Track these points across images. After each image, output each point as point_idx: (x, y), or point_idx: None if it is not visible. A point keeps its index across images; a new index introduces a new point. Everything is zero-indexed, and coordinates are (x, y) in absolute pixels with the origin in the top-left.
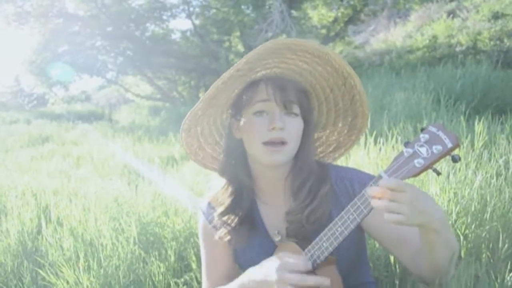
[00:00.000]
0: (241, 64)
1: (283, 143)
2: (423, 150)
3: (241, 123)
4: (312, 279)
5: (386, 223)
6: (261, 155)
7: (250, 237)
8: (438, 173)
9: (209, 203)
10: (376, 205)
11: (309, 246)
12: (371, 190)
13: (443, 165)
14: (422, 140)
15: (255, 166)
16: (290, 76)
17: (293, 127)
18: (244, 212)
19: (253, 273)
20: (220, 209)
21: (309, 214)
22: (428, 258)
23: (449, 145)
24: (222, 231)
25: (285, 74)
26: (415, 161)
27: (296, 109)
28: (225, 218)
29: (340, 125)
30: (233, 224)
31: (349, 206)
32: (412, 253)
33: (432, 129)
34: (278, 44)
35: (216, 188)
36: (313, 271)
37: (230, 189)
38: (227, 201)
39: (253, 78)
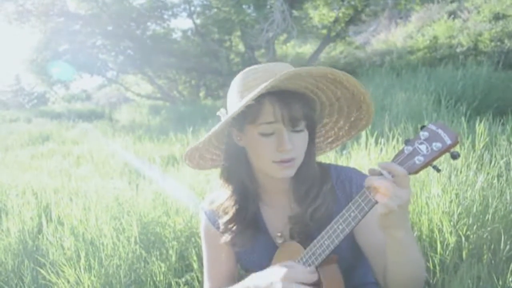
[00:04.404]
0: (241, 108)
1: (292, 159)
2: (423, 148)
3: (245, 136)
4: None
5: (368, 227)
6: (271, 171)
7: (253, 239)
8: (438, 170)
9: (213, 210)
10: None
11: (311, 245)
12: (375, 180)
13: (445, 165)
14: (422, 138)
15: (259, 174)
16: (294, 88)
17: (300, 143)
18: (250, 218)
19: (258, 278)
20: (226, 217)
21: (313, 212)
22: (394, 269)
23: (448, 142)
24: (227, 237)
25: (289, 87)
26: (415, 158)
27: (302, 124)
28: (230, 225)
29: (341, 123)
30: (238, 230)
31: (350, 204)
32: (383, 265)
33: (432, 127)
34: (278, 81)
35: (218, 189)
36: (318, 283)
37: (234, 197)
38: (232, 210)
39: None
